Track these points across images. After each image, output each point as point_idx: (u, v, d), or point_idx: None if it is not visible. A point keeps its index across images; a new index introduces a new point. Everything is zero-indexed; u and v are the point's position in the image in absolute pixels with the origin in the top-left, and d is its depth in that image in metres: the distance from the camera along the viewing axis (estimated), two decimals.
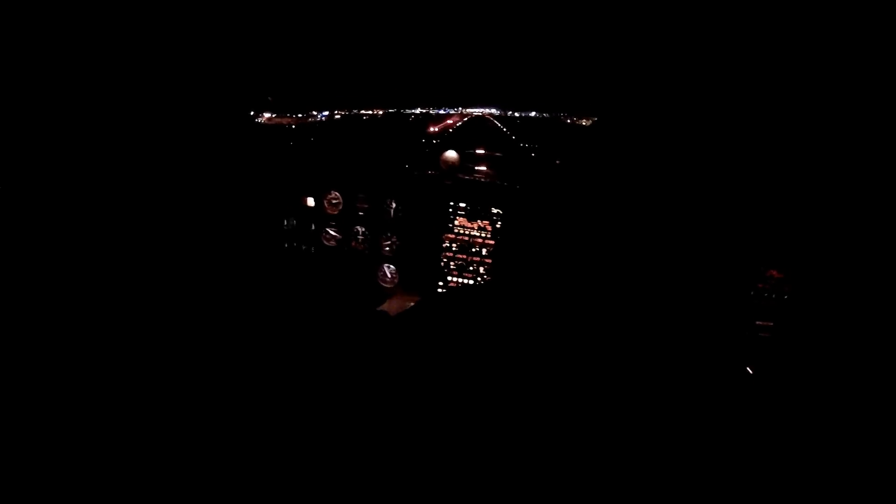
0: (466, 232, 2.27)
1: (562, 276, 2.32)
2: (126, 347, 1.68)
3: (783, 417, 1.85)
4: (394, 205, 2.30)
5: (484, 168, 2.31)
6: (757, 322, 2.20)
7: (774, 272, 2.20)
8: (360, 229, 2.34)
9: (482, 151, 2.26)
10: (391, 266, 2.35)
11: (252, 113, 2.33)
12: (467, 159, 2.29)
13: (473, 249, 2.28)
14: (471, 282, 2.30)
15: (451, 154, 2.29)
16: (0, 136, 1.63)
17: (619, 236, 2.28)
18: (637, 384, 1.81)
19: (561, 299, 2.23)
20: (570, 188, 2.46)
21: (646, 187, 2.35)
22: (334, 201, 2.34)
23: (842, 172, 2.09)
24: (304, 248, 2.39)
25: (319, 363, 1.83)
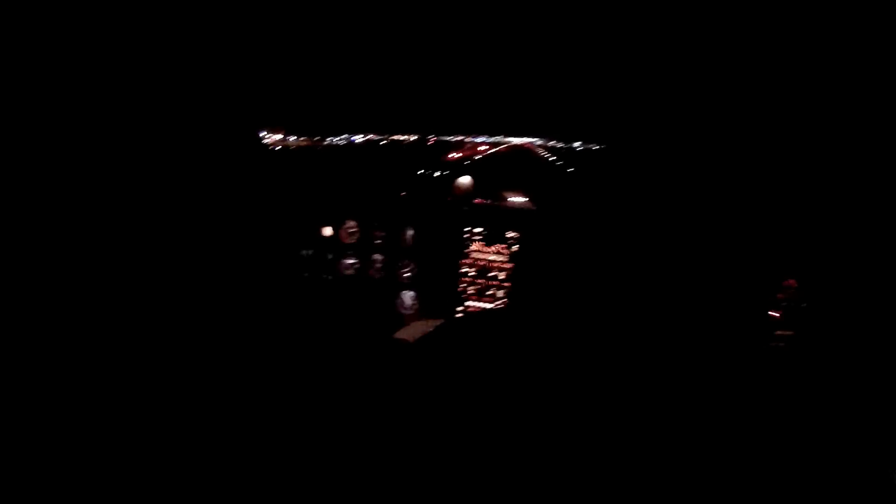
0: (483, 257, 2.27)
1: (579, 295, 2.31)
2: (139, 370, 1.69)
3: (798, 423, 1.80)
4: (410, 232, 2.32)
5: (499, 193, 2.32)
6: (776, 332, 2.17)
7: (793, 282, 2.16)
8: (378, 257, 2.36)
9: (499, 177, 2.29)
10: (410, 293, 2.35)
11: (264, 135, 2.39)
12: (482, 184, 2.31)
13: (491, 274, 2.28)
14: (489, 305, 2.30)
15: (464, 180, 2.31)
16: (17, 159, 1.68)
17: (634, 256, 2.27)
18: (655, 401, 1.78)
19: (578, 318, 2.21)
20: (585, 210, 2.46)
21: (659, 209, 2.34)
22: (351, 230, 2.37)
23: (855, 180, 2.07)
24: (322, 277, 2.41)
25: (339, 388, 1.83)
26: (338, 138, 2.53)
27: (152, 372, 1.71)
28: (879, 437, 1.68)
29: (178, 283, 2.04)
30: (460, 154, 2.43)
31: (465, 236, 2.28)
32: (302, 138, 2.50)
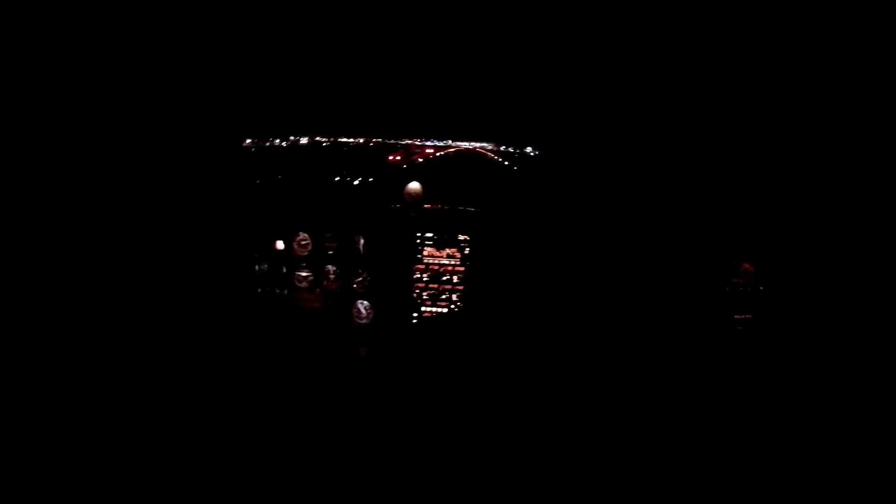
0: (436, 261, 2.27)
1: (534, 294, 2.31)
2: (110, 375, 1.67)
3: (765, 409, 1.84)
4: (362, 241, 2.31)
5: (449, 197, 2.32)
6: (735, 316, 2.20)
7: (748, 266, 2.20)
8: (331, 268, 2.34)
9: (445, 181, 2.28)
10: (365, 302, 2.34)
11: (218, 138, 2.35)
12: (432, 189, 2.31)
13: (444, 278, 2.28)
14: (444, 310, 2.30)
15: (414, 185, 2.31)
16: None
17: (585, 252, 2.27)
18: (616, 392, 1.79)
19: (536, 314, 2.22)
20: (535, 211, 2.46)
21: (610, 203, 2.34)
22: (303, 242, 2.35)
23: (812, 167, 2.11)
24: (276, 291, 2.39)
25: (301, 397, 1.82)
26: (282, 141, 2.49)
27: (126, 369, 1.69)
28: (840, 416, 1.71)
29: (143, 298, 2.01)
30: (408, 158, 2.42)
31: (416, 242, 2.28)
32: (249, 140, 2.46)
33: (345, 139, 2.56)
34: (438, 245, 2.27)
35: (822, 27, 1.94)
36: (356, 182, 2.42)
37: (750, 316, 2.22)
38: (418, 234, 2.28)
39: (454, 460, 1.58)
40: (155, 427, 1.56)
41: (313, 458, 1.58)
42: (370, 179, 2.45)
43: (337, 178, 2.48)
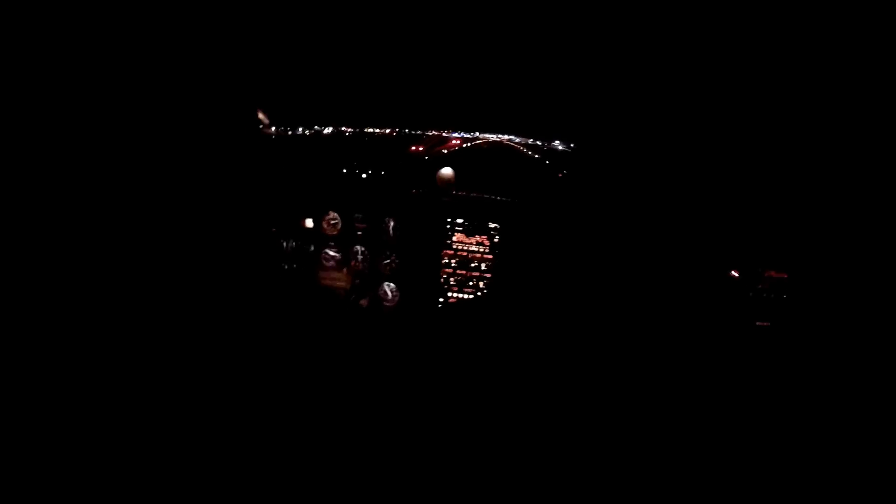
0: (465, 248, 2.29)
1: (559, 287, 2.33)
2: (122, 357, 1.68)
3: (780, 414, 1.85)
4: (392, 223, 2.32)
5: (480, 184, 2.34)
6: (756, 322, 2.22)
7: (773, 273, 2.22)
8: (360, 249, 2.36)
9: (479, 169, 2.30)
10: (391, 284, 2.36)
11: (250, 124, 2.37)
12: (463, 176, 2.32)
13: (472, 265, 2.30)
14: (470, 297, 2.31)
15: (446, 171, 2.32)
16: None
17: (615, 248, 2.29)
18: (636, 389, 1.81)
19: (558, 309, 2.23)
20: (565, 204, 2.48)
21: (640, 200, 2.36)
22: (333, 222, 2.37)
23: (836, 177, 2.13)
24: (303, 269, 2.40)
25: (321, 377, 1.83)
26: (308, 130, 2.50)
27: (136, 363, 1.69)
28: (856, 424, 1.73)
29: (160, 276, 2.02)
30: (436, 149, 2.44)
31: (446, 227, 2.29)
32: (281, 128, 2.47)
33: (371, 129, 2.57)
34: (468, 232, 2.28)
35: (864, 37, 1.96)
36: (388, 167, 2.44)
37: (769, 324, 2.23)
38: (448, 220, 2.30)
39: (469, 449, 1.59)
40: (175, 403, 1.57)
41: (329, 440, 1.59)
42: (400, 164, 2.46)
43: (365, 167, 2.49)
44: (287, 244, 2.40)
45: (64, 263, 1.78)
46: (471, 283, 2.30)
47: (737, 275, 2.23)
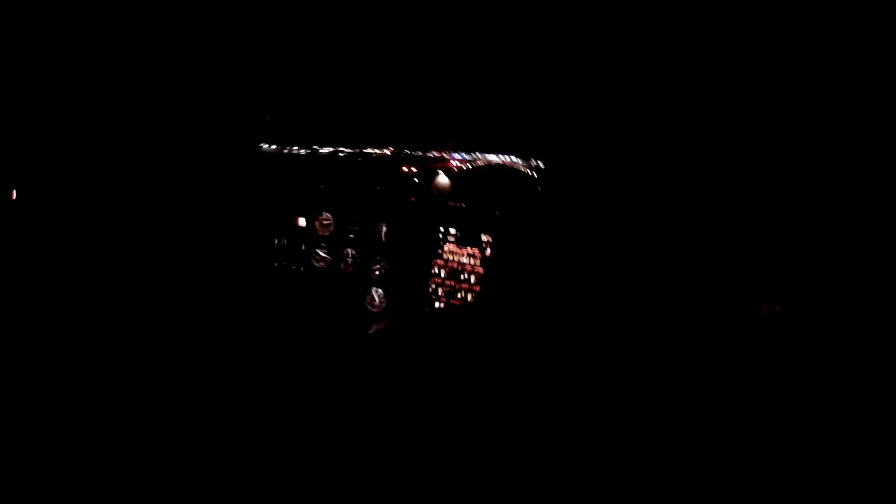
0: (455, 258, 2.26)
1: (553, 305, 2.28)
2: (122, 357, 1.68)
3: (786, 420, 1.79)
4: (384, 229, 2.30)
5: (474, 196, 2.31)
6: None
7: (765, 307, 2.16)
8: (351, 252, 2.34)
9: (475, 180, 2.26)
10: (379, 290, 2.33)
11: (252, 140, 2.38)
12: (459, 186, 2.30)
13: (462, 276, 2.26)
14: (457, 307, 2.28)
15: (442, 179, 2.30)
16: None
17: (608, 269, 2.24)
18: (630, 403, 1.76)
19: (551, 327, 2.18)
20: (561, 220, 2.44)
21: (640, 219, 2.31)
22: (325, 222, 2.35)
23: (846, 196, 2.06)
24: (293, 267, 2.39)
25: (308, 380, 1.81)
26: (301, 149, 2.48)
27: (133, 362, 1.69)
28: (862, 440, 1.67)
29: (154, 270, 2.02)
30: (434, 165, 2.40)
31: (438, 236, 2.27)
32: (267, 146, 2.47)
33: (369, 150, 2.49)
34: (460, 242, 2.25)
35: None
36: (383, 176, 2.41)
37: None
38: (441, 229, 2.27)
39: (456, 455, 1.56)
40: (174, 395, 1.56)
41: (318, 441, 1.57)
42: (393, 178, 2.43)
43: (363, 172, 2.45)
44: (278, 241, 2.39)
45: (64, 263, 1.79)
46: (458, 295, 2.27)
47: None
